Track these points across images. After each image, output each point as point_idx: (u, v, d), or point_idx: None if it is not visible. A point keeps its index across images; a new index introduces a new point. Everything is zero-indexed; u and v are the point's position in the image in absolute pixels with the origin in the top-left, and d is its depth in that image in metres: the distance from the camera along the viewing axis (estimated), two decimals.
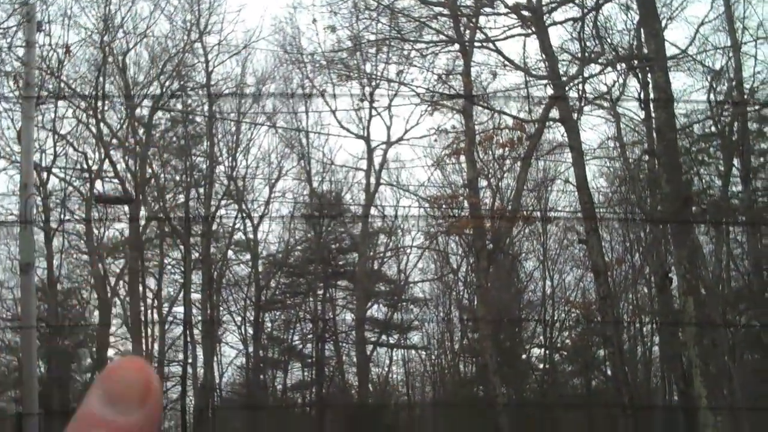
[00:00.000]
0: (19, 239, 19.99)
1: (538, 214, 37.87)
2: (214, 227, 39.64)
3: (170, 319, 40.46)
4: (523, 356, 42.23)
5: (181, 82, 37.36)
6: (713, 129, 32.90)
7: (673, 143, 21.93)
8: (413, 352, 43.98)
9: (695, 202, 29.86)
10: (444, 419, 40.98)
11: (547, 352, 42.36)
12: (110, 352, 39.10)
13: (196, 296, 38.88)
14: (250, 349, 41.30)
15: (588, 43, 25.66)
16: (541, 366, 43.16)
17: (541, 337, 42.48)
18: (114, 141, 36.97)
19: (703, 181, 33.86)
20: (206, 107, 38.44)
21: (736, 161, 31.84)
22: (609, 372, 38.68)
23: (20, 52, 19.68)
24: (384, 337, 43.10)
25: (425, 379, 44.72)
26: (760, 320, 32.59)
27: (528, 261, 42.96)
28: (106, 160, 36.62)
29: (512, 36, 26.57)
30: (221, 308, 40.68)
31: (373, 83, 35.80)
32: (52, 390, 34.56)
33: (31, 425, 16.85)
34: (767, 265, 33.53)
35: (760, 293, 31.79)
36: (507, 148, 31.02)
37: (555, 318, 42.28)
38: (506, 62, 27.21)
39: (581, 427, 39.63)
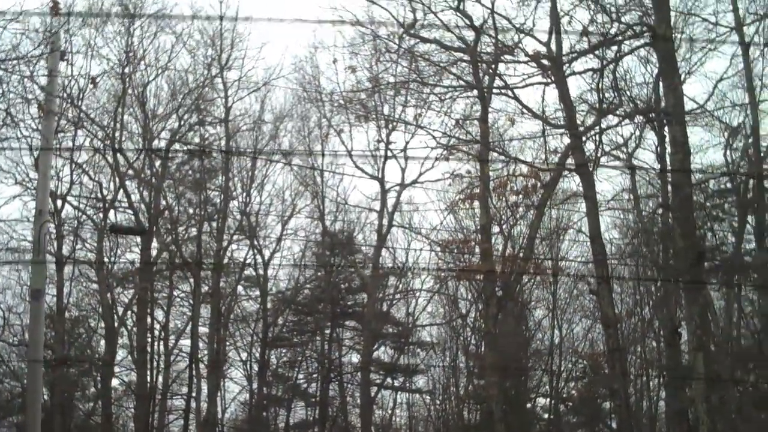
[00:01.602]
0: (30, 266, 19.98)
1: (550, 263, 37.76)
2: (225, 261, 39.63)
3: (176, 351, 40.41)
4: (528, 405, 41.93)
5: (200, 116, 37.58)
6: (729, 185, 32.87)
7: (688, 198, 21.93)
8: (418, 396, 43.77)
9: (708, 258, 29.75)
10: None
11: (553, 402, 42.07)
12: (114, 382, 39.08)
13: (203, 330, 38.85)
14: (255, 385, 41.16)
15: (606, 95, 25.73)
16: (546, 416, 42.85)
17: (547, 387, 42.20)
18: (130, 171, 37.14)
19: (717, 237, 33.78)
20: (223, 142, 38.63)
21: (750, 218, 31.78)
22: (614, 425, 38.38)
23: (42, 80, 19.81)
24: (389, 379, 42.91)
25: (429, 423, 44.39)
26: None
27: (537, 309, 42.83)
28: (121, 191, 36.77)
29: (531, 84, 26.70)
30: (228, 343, 40.57)
31: (390, 125, 35.95)
32: (53, 417, 34.40)
33: None
34: None
35: None
36: (521, 196, 31.06)
37: (562, 368, 42.03)
38: (524, 110, 27.30)
39: None
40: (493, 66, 28.38)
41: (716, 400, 19.98)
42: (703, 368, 19.89)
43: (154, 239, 37.47)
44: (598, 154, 27.03)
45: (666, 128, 25.35)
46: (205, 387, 38.00)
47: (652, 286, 37.88)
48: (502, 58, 27.49)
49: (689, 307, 20.83)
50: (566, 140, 27.00)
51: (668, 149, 24.58)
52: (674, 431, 36.97)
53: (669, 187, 25.51)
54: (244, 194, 39.56)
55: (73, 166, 35.96)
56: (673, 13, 24.51)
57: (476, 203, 32.12)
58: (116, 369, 38.55)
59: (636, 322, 40.04)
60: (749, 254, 32.67)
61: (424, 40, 27.50)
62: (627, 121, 27.66)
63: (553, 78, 25.93)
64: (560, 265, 38.68)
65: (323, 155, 40.76)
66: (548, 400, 42.29)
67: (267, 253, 40.88)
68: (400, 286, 43.43)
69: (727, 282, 32.33)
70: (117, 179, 36.62)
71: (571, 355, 41.64)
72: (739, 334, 33.86)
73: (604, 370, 36.10)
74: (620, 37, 25.32)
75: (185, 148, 38.19)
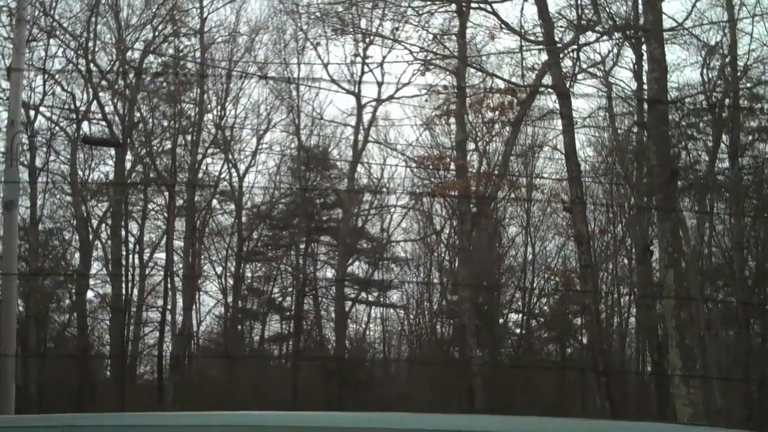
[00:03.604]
0: (3, 176, 19.82)
1: (524, 180, 37.87)
2: (200, 175, 39.52)
3: (151, 265, 40.49)
4: (501, 320, 42.44)
5: (175, 27, 37.06)
6: (704, 104, 32.93)
7: (664, 116, 21.93)
8: (391, 310, 44.18)
9: (681, 176, 29.92)
10: (419, 377, 41.23)
11: (525, 317, 42.61)
12: (89, 295, 39.19)
13: (178, 243, 38.88)
14: (230, 299, 41.40)
15: (585, 11, 25.56)
16: (518, 331, 43.42)
17: (520, 303, 42.69)
18: (103, 83, 36.72)
19: (691, 155, 33.94)
20: (198, 54, 38.19)
21: (725, 138, 31.92)
22: (585, 340, 38.96)
23: None
24: (363, 294, 43.23)
25: (402, 338, 44.92)
26: (737, 297, 32.86)
27: (511, 226, 43.10)
28: (95, 102, 36.42)
29: None
30: (203, 257, 40.67)
31: (367, 39, 35.62)
32: (29, 330, 34.53)
33: (8, 366, 16.84)
34: (748, 243, 33.76)
35: (739, 270, 32.03)
36: (497, 112, 30.90)
37: (534, 284, 42.47)
38: (502, 25, 27.07)
39: (555, 392, 39.93)
40: None
41: (686, 316, 20.26)
42: (673, 285, 20.12)
43: (129, 152, 37.25)
44: (575, 72, 26.97)
45: (644, 46, 25.21)
46: (180, 300, 38.20)
47: (625, 203, 38.17)
48: None
49: (661, 225, 20.98)
50: (544, 57, 26.84)
51: (645, 67, 24.49)
52: (643, 346, 37.71)
53: (645, 105, 25.46)
54: (219, 107, 39.27)
55: (46, 76, 35.56)
56: None
57: (452, 119, 32.00)
58: (91, 281, 38.66)
59: (608, 240, 40.44)
60: (722, 173, 32.90)
61: None
62: (605, 38, 27.52)
63: None
64: (535, 182, 38.82)
65: (299, 68, 40.54)
66: (520, 315, 42.83)
67: (242, 167, 40.86)
68: (375, 201, 43.55)
69: (699, 200, 32.61)
70: (90, 90, 36.25)
71: (544, 271, 42.05)
72: (710, 252, 34.29)
73: (576, 286, 36.49)
74: None
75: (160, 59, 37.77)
